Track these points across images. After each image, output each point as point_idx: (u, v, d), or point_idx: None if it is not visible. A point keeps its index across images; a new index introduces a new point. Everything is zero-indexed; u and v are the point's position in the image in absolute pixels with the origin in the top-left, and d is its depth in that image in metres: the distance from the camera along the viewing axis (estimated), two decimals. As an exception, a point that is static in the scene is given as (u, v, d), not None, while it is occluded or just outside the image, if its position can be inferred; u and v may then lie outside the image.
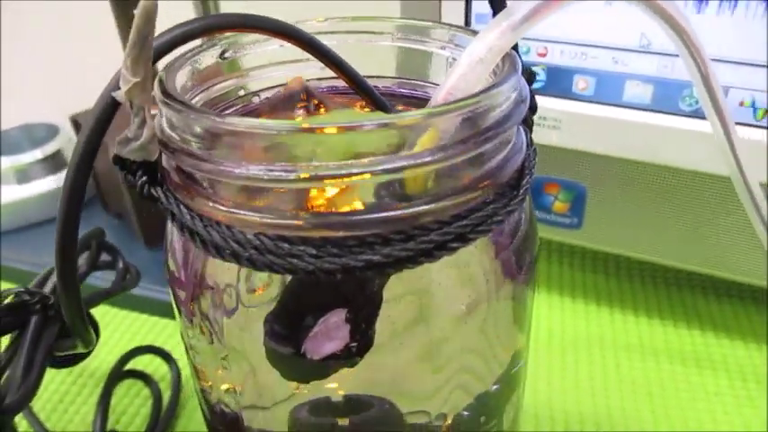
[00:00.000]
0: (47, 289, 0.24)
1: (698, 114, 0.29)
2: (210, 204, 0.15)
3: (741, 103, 0.28)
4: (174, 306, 0.21)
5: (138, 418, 0.31)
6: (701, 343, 0.34)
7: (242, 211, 0.15)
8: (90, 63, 0.48)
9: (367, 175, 0.14)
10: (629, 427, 0.30)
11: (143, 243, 0.40)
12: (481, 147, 0.15)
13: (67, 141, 0.45)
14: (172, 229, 0.19)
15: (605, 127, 0.31)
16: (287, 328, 0.16)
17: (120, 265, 0.29)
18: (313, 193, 0.15)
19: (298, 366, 0.17)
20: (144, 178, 0.16)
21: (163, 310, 0.37)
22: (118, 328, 0.37)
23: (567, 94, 0.31)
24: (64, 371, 0.34)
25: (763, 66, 0.27)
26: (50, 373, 0.34)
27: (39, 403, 0.32)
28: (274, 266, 0.15)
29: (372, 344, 0.17)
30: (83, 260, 0.27)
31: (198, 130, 0.15)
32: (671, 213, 0.32)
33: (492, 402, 0.22)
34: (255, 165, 0.14)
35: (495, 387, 0.21)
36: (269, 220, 0.15)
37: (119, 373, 0.30)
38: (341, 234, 0.14)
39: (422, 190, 0.15)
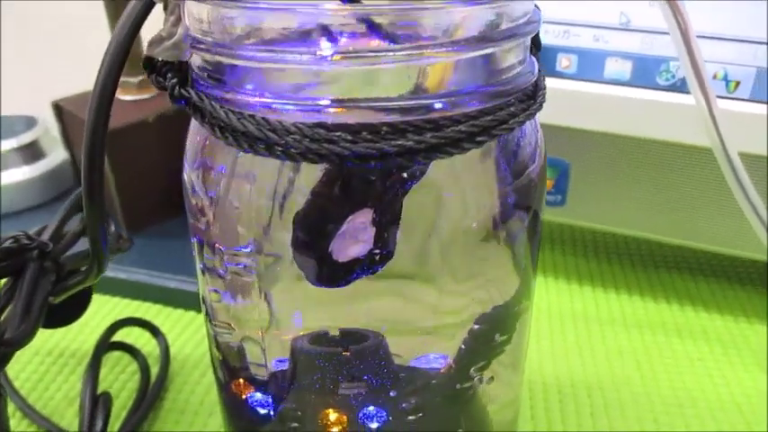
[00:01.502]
0: (45, 237, 0.24)
1: (674, 88, 0.31)
2: (244, 98, 0.16)
3: (714, 76, 0.30)
4: (194, 240, 0.21)
5: (123, 392, 0.30)
6: (680, 315, 0.35)
7: (277, 101, 0.15)
8: (70, 55, 0.48)
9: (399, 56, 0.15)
10: (621, 392, 0.30)
11: (125, 229, 0.40)
12: (500, 44, 0.16)
13: (44, 132, 0.44)
14: (196, 142, 0.19)
15: (588, 103, 0.32)
16: (315, 226, 0.16)
17: (113, 227, 0.28)
18: (345, 81, 0.16)
19: (323, 268, 0.17)
20: (174, 80, 0.16)
21: (145, 294, 0.36)
22: (99, 311, 0.36)
23: (551, 72, 0.33)
24: (43, 351, 0.33)
25: (735, 39, 0.29)
26: (29, 353, 0.32)
27: (17, 383, 0.31)
28: (309, 154, 0.15)
29: (393, 254, 0.18)
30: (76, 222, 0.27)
31: (231, 18, 0.15)
32: (650, 186, 0.33)
33: (492, 344, 0.22)
34: (290, 51, 0.15)
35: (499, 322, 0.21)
36: (303, 109, 0.15)
37: (106, 344, 0.29)
38: (376, 120, 0.15)
39: (447, 81, 0.16)
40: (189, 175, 0.20)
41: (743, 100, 0.30)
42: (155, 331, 0.31)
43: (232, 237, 0.19)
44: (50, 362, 0.32)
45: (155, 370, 0.31)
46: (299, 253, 0.17)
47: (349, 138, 0.15)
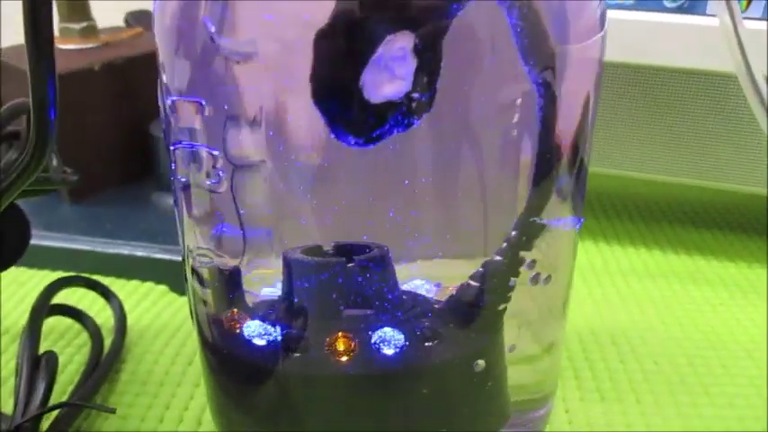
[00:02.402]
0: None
1: (682, 10, 0.29)
2: None
3: (724, -6, 0.28)
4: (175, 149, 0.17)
5: (71, 366, 0.25)
6: (691, 264, 0.33)
7: None
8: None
9: None
10: (646, 339, 0.27)
11: (67, 197, 0.34)
12: None
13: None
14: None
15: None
16: (342, 47, 0.13)
17: (54, 162, 0.23)
18: None
19: (351, 111, 0.13)
20: None
21: (95, 265, 0.31)
22: (39, 287, 0.30)
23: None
24: (-33, 329, 0.27)
25: (744, -48, 0.27)
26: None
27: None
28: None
29: (432, 104, 0.14)
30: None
31: None
32: (659, 121, 0.31)
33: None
34: None
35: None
36: None
37: (46, 306, 0.24)
38: None
39: None
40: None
41: (756, 19, 0.28)
42: (106, 294, 0.26)
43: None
44: (-23, 341, 0.27)
45: (107, 342, 0.26)
46: (323, 87, 0.13)
47: None
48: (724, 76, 0.29)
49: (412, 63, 0.13)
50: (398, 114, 0.13)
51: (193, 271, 0.19)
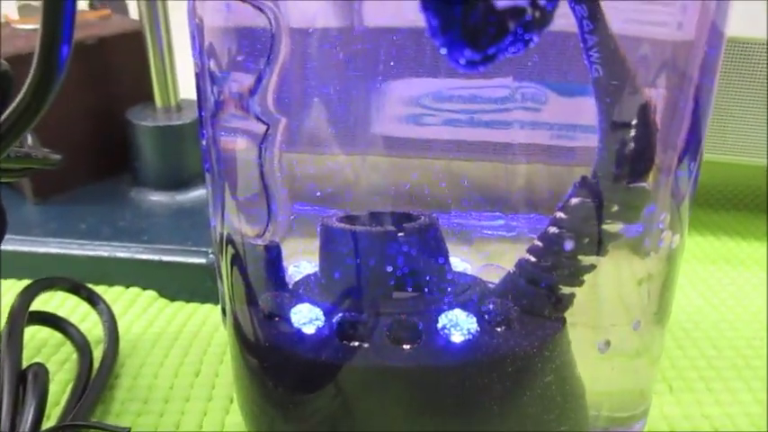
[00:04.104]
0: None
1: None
2: None
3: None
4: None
5: (53, 385, 0.21)
6: (721, 246, 0.31)
7: None
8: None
9: None
10: (698, 323, 0.25)
11: (30, 196, 0.30)
12: None
13: None
14: None
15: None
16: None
17: (30, 140, 0.20)
18: None
19: (469, 18, 0.10)
20: None
21: (73, 269, 0.27)
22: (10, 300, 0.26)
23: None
24: None
25: None
26: None
27: None
28: None
29: (551, 18, 0.11)
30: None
31: None
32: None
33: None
34: None
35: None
36: None
37: (24, 312, 0.20)
38: None
39: None
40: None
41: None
42: (92, 298, 0.22)
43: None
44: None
45: (96, 354, 0.22)
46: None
47: None
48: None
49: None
50: (521, 26, 0.11)
51: (233, 251, 0.15)
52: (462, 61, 0.11)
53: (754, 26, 0.25)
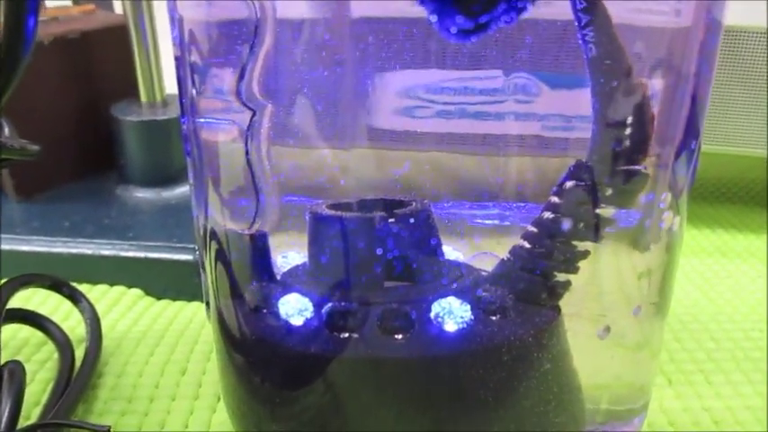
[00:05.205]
0: None
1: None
2: None
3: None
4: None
5: (33, 385, 0.20)
6: (717, 239, 0.31)
7: None
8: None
9: None
10: (696, 316, 0.24)
11: (13, 194, 0.29)
12: None
13: None
14: None
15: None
16: None
17: (6, 130, 0.19)
18: None
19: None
20: None
21: (44, 269, 0.26)
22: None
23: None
24: None
25: None
26: None
27: None
28: None
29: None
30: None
31: None
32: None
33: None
34: None
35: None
36: None
37: (1, 310, 0.19)
38: None
39: None
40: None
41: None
42: (75, 296, 0.22)
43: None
44: None
45: (79, 353, 0.21)
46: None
47: None
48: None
49: None
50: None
51: (216, 244, 0.15)
52: (453, 30, 0.10)
53: (753, 15, 0.24)
